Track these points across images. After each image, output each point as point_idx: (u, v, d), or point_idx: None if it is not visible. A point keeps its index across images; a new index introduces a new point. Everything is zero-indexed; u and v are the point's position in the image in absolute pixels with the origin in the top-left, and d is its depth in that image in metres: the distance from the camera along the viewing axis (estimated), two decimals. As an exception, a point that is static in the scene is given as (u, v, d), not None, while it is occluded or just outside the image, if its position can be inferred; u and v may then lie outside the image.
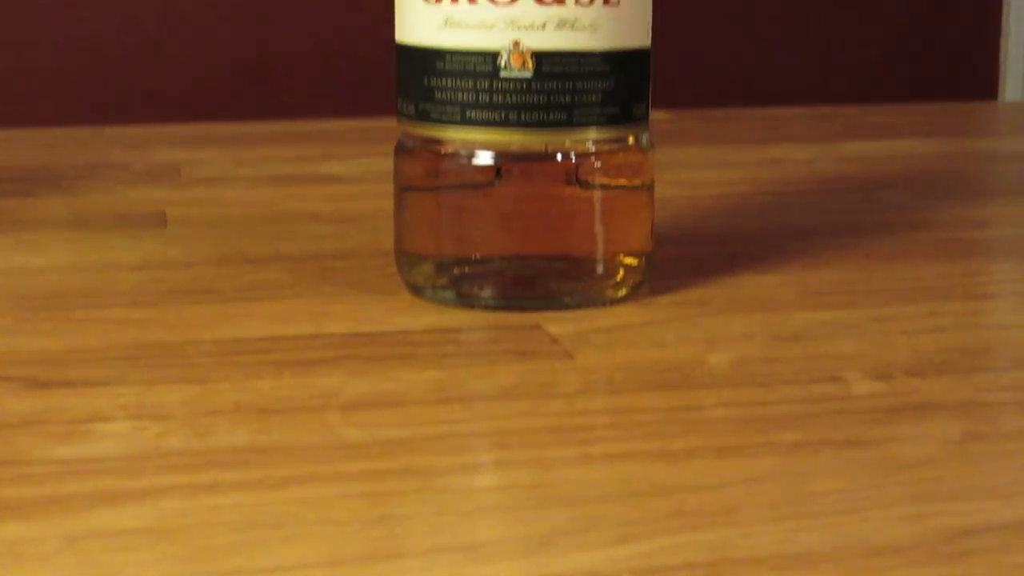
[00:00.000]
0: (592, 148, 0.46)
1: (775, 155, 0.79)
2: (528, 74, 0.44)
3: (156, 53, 1.59)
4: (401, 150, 0.48)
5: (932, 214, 0.62)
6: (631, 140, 0.47)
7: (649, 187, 0.48)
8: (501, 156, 0.45)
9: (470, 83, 0.44)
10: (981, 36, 1.86)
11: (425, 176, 0.47)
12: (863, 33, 1.82)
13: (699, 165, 0.76)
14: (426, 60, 0.45)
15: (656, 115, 0.49)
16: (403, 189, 0.48)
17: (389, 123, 0.50)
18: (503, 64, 0.44)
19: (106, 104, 1.57)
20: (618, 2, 0.45)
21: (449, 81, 0.44)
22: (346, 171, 0.73)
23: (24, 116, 1.49)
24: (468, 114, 0.44)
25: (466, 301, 0.46)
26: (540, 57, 0.44)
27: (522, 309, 0.45)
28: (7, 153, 0.79)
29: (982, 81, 1.87)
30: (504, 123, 0.44)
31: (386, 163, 0.49)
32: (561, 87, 0.44)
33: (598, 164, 0.46)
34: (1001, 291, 0.52)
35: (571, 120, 0.44)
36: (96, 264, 0.53)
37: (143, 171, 0.73)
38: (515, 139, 0.45)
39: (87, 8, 1.57)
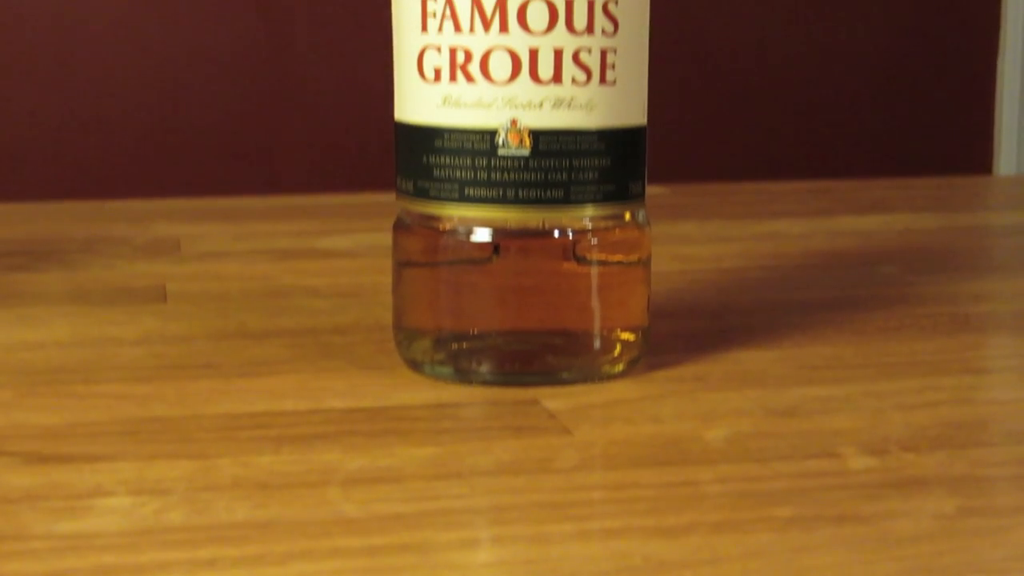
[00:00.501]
0: (589, 225, 0.46)
1: (770, 229, 0.80)
2: (525, 152, 0.44)
3: (156, 127, 1.60)
4: (400, 226, 0.48)
5: (927, 289, 0.63)
6: (628, 216, 0.47)
7: (645, 263, 0.48)
8: (499, 233, 0.46)
9: (468, 161, 0.45)
10: (975, 111, 1.88)
11: (423, 252, 0.48)
12: (857, 108, 1.84)
13: (695, 239, 0.77)
14: (425, 138, 0.46)
15: (652, 190, 0.50)
16: (402, 265, 0.48)
17: (388, 198, 0.50)
18: (501, 142, 0.44)
19: (107, 178, 1.58)
20: (614, 81, 0.45)
21: (447, 159, 0.45)
22: (345, 246, 0.74)
23: (26, 190, 1.50)
24: (466, 191, 0.45)
25: (464, 376, 0.46)
26: (537, 135, 0.44)
27: (520, 384, 0.46)
28: (9, 226, 0.79)
29: (976, 155, 1.88)
30: (502, 200, 0.45)
31: (385, 238, 0.49)
32: (558, 165, 0.45)
33: (595, 240, 0.46)
34: (996, 366, 0.53)
35: (568, 198, 0.45)
36: (96, 338, 0.53)
37: (143, 245, 0.73)
38: (513, 216, 0.45)
39: (89, 82, 1.58)
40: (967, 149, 1.89)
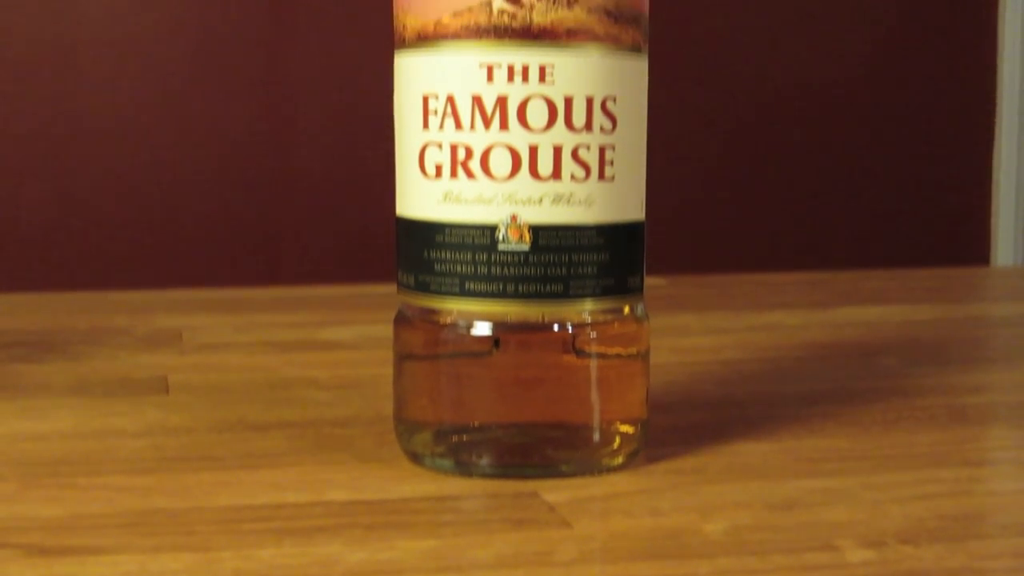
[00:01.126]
0: (588, 318, 0.47)
1: (769, 321, 0.80)
2: (525, 247, 0.45)
3: (158, 218, 1.61)
4: (401, 320, 0.49)
5: (925, 380, 0.63)
6: (626, 310, 0.48)
7: (644, 355, 0.49)
8: (499, 326, 0.46)
9: (469, 256, 0.45)
10: (971, 202, 1.90)
11: (424, 345, 0.48)
12: (854, 200, 1.85)
13: (694, 331, 0.77)
14: (425, 233, 0.46)
15: (651, 281, 0.50)
16: (403, 358, 0.49)
17: (389, 289, 0.51)
18: (501, 237, 0.45)
19: (109, 269, 1.59)
20: (612, 177, 0.46)
21: (448, 254, 0.46)
22: (346, 337, 0.74)
23: (29, 280, 1.51)
24: (467, 286, 0.46)
25: (464, 469, 0.46)
26: (537, 231, 0.45)
27: (520, 477, 0.46)
28: (12, 318, 0.80)
29: (973, 246, 1.89)
30: (502, 295, 0.45)
31: (386, 329, 0.50)
32: (558, 260, 0.45)
33: (594, 334, 0.47)
34: (994, 458, 0.53)
35: (567, 292, 0.46)
36: (99, 430, 0.53)
37: (145, 336, 0.74)
38: (513, 310, 0.46)
39: (91, 173, 1.59)
40: (964, 240, 1.90)
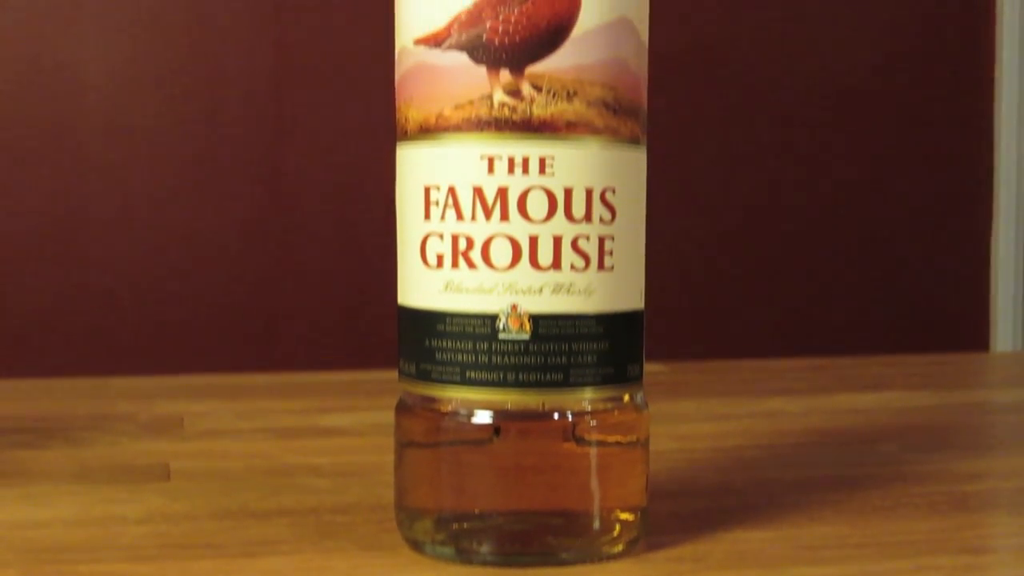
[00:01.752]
0: (588, 407, 0.47)
1: (769, 408, 0.81)
2: (526, 336, 0.46)
3: (159, 304, 1.62)
4: (402, 407, 0.49)
5: (924, 467, 0.63)
6: (626, 398, 0.48)
7: (644, 443, 0.49)
8: (499, 415, 0.46)
9: (470, 345, 0.46)
10: (970, 288, 1.90)
11: (425, 433, 0.48)
12: (853, 285, 1.86)
13: (694, 418, 0.77)
14: (427, 322, 0.47)
15: (651, 367, 0.51)
16: (403, 445, 0.49)
17: (389, 375, 0.51)
18: (501, 327, 0.46)
19: (111, 355, 1.59)
20: (611, 267, 0.47)
21: (449, 343, 0.46)
22: (347, 424, 0.75)
23: (31, 366, 1.51)
24: (467, 374, 0.46)
25: (465, 557, 0.47)
26: (537, 320, 0.46)
27: (520, 565, 0.46)
28: (14, 403, 0.80)
29: (973, 332, 1.90)
30: (502, 383, 0.46)
31: (387, 416, 0.50)
32: (558, 349, 0.46)
33: (594, 422, 0.47)
34: (994, 545, 0.53)
35: (567, 381, 0.46)
36: (101, 517, 0.53)
37: (147, 423, 0.74)
38: (513, 398, 0.46)
39: (92, 259, 1.60)
40: (963, 326, 1.90)
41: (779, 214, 1.84)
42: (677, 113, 1.77)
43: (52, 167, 1.59)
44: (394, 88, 0.49)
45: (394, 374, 0.49)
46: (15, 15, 1.58)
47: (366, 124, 1.63)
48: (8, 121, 1.58)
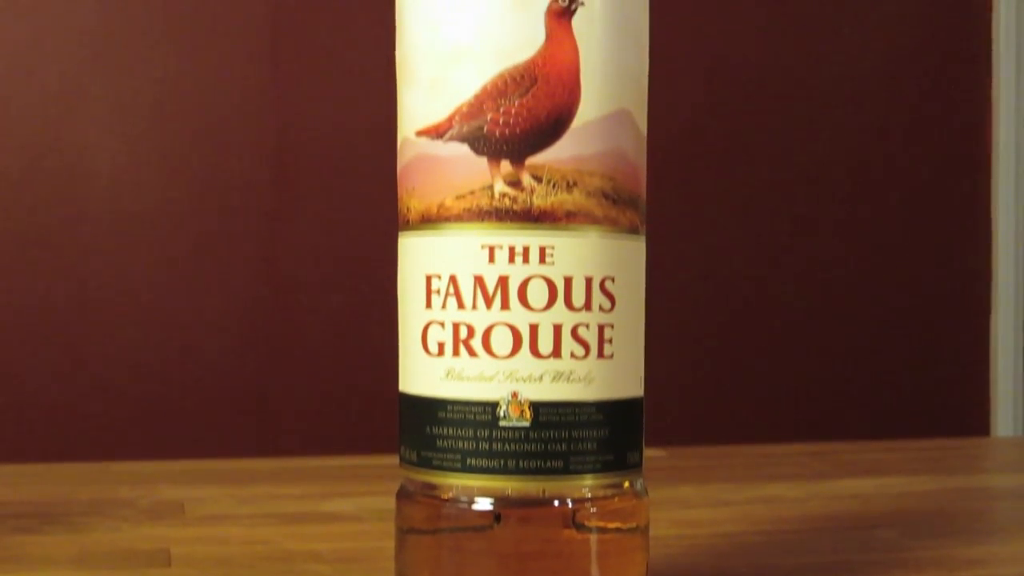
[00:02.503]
0: (588, 494, 0.47)
1: (769, 493, 0.81)
2: (526, 424, 0.46)
3: (159, 389, 1.62)
4: (403, 494, 0.49)
5: (924, 553, 0.63)
6: (626, 485, 0.49)
7: (644, 530, 0.49)
8: (500, 501, 0.47)
9: (470, 432, 0.46)
10: (970, 372, 1.90)
11: (426, 520, 0.48)
12: (853, 370, 1.86)
13: (693, 503, 0.77)
14: (428, 409, 0.47)
15: (651, 452, 0.51)
16: (404, 532, 0.49)
17: (390, 460, 0.52)
18: (502, 414, 0.46)
19: (111, 440, 1.59)
20: (611, 355, 0.47)
21: (450, 430, 0.47)
22: (347, 509, 0.75)
23: (31, 451, 1.51)
24: (468, 462, 0.46)
25: (465, 644, 0.47)
26: (537, 407, 0.46)
27: (520, 652, 0.46)
28: (14, 489, 0.80)
29: (973, 416, 1.90)
30: (503, 471, 0.46)
31: (387, 501, 0.50)
32: (558, 436, 0.46)
33: (594, 509, 0.47)
34: (994, 633, 0.53)
35: (568, 468, 0.46)
36: (100, 605, 0.53)
37: (148, 508, 0.74)
38: (513, 485, 0.46)
39: (92, 345, 1.61)
40: (963, 411, 1.90)
41: (778, 300, 1.84)
42: (675, 202, 1.78)
43: (54, 251, 1.60)
44: (395, 177, 0.50)
45: (394, 459, 0.50)
46: (22, 100, 1.59)
47: (366, 211, 1.64)
48: (12, 205, 1.59)
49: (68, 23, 1.60)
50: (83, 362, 1.61)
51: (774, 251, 1.85)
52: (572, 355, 0.47)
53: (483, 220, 0.46)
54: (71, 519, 0.71)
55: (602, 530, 0.48)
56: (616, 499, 0.48)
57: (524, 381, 0.46)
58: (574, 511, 0.47)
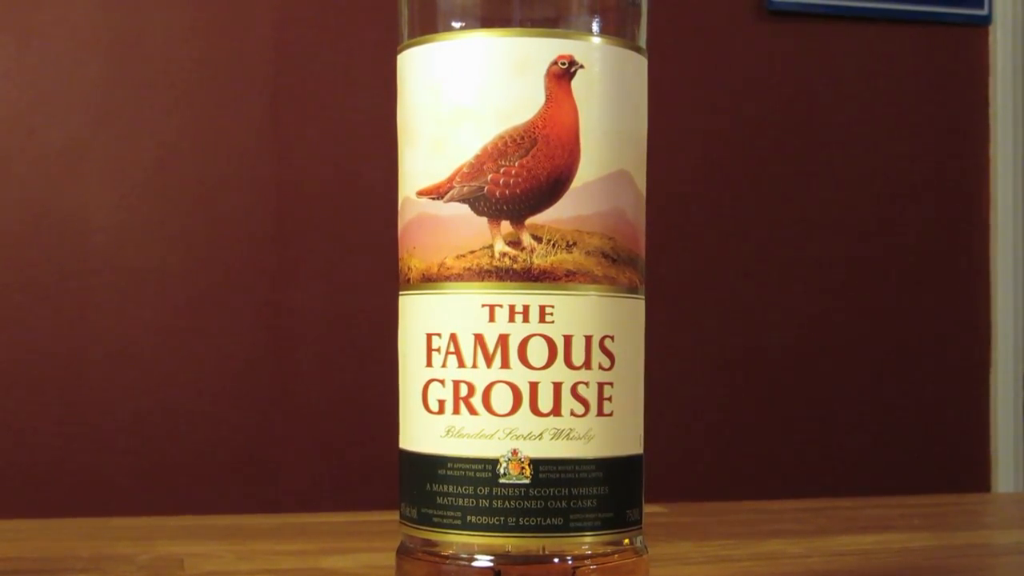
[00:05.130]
0: (588, 551, 0.47)
1: (769, 550, 0.81)
2: (526, 481, 0.46)
3: (159, 445, 1.62)
4: (403, 551, 0.50)
5: (924, 611, 0.63)
6: (626, 542, 0.49)
7: (643, 588, 0.50)
8: (500, 558, 0.47)
9: (470, 489, 0.46)
10: (971, 428, 1.90)
11: (428, 577, 0.49)
12: (854, 427, 1.86)
13: (693, 560, 0.77)
14: (428, 467, 0.48)
15: (650, 508, 0.51)
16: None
17: (390, 516, 0.52)
18: (502, 471, 0.46)
19: (111, 495, 1.59)
20: (611, 412, 0.47)
21: (450, 487, 0.47)
22: (347, 566, 0.74)
23: (31, 507, 1.51)
24: (468, 519, 0.46)
25: None
26: (537, 465, 0.46)
27: None
28: (15, 544, 0.80)
29: (973, 473, 1.89)
30: (503, 528, 0.46)
31: (387, 558, 0.50)
32: (558, 493, 0.46)
33: (594, 567, 0.47)
34: None
35: (568, 525, 0.46)
36: (100, 662, 0.53)
37: (148, 564, 0.74)
38: (513, 542, 0.46)
39: (92, 401, 1.61)
40: (964, 467, 1.90)
41: (778, 358, 1.84)
42: (674, 261, 1.79)
43: (54, 307, 1.61)
44: (396, 235, 0.50)
45: (394, 516, 0.50)
46: (25, 159, 1.60)
47: (366, 270, 1.64)
48: (14, 262, 1.60)
49: (71, 85, 1.61)
50: (82, 418, 1.61)
51: (773, 310, 1.85)
52: (572, 413, 0.47)
53: (484, 279, 0.47)
54: (71, 575, 0.71)
55: (602, 588, 0.48)
56: (616, 556, 0.48)
57: (524, 439, 0.46)
58: (574, 568, 0.47)
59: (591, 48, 0.48)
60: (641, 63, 0.50)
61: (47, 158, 1.60)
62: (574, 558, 0.47)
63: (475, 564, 0.47)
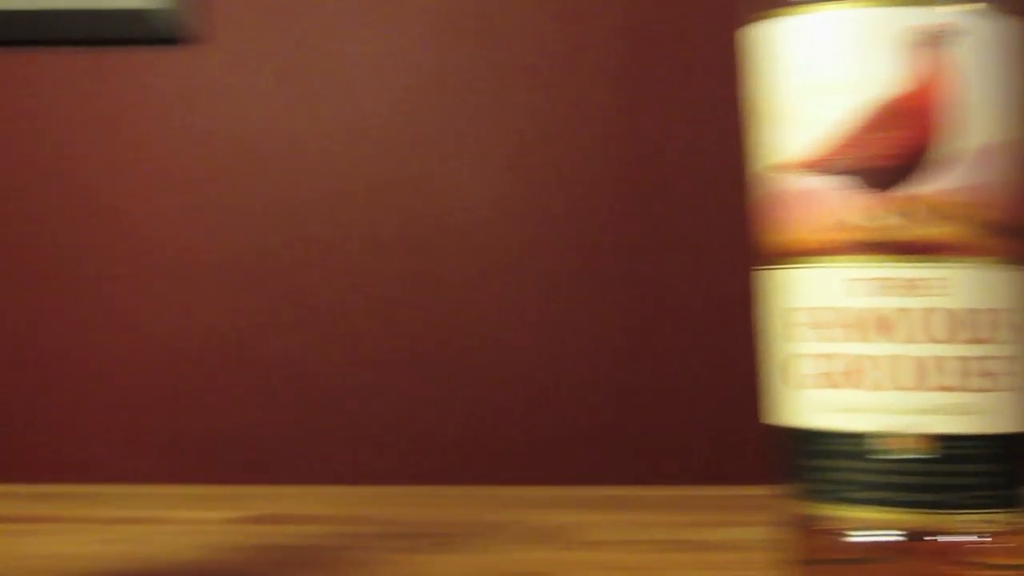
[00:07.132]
0: (990, 528, 0.47)
1: None
2: (923, 456, 0.46)
3: (539, 415, 1.66)
4: (795, 525, 0.50)
5: None
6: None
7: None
8: (904, 534, 0.47)
9: (873, 464, 0.46)
10: None
11: (822, 551, 0.49)
12: None
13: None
14: (827, 443, 0.48)
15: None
16: (804, 563, 0.49)
17: (758, 491, 0.51)
18: (908, 447, 0.46)
19: (492, 465, 1.63)
20: (1010, 388, 0.47)
21: (853, 463, 0.47)
22: (736, 538, 0.74)
23: (405, 474, 1.57)
24: (868, 495, 0.46)
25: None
26: (942, 440, 0.46)
27: None
28: (406, 509, 0.83)
29: None
30: (907, 504, 0.46)
31: (762, 532, 0.50)
32: (963, 470, 0.46)
33: (998, 544, 0.47)
34: None
35: (972, 502, 0.46)
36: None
37: (530, 530, 0.76)
38: (917, 519, 0.46)
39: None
40: None
41: None
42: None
43: (433, 295, 1.66)
44: (747, 212, 0.50)
45: (765, 490, 0.49)
46: (403, 142, 1.67)
47: (728, 245, 1.63)
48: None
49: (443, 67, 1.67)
50: (472, 392, 1.66)
51: None
52: (971, 388, 0.46)
53: (858, 252, 0.46)
54: (467, 539, 0.73)
55: (1003, 568, 0.47)
56: (1016, 537, 0.47)
57: (929, 413, 0.46)
58: (974, 548, 0.46)
59: (965, 16, 0.47)
60: (1019, 28, 0.48)
61: (428, 139, 1.66)
62: (979, 535, 0.46)
63: (881, 539, 0.47)
